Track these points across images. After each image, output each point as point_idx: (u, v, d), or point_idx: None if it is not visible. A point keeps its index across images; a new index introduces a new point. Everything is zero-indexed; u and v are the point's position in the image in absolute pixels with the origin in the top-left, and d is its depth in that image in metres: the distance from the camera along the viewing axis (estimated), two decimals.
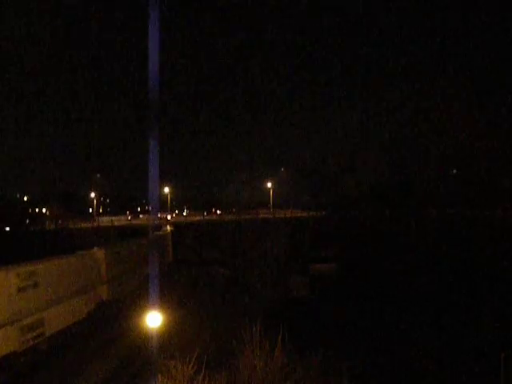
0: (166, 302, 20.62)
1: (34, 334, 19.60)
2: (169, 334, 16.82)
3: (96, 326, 24.94)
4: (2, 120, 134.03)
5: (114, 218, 69.56)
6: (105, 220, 67.56)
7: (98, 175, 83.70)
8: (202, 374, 13.07)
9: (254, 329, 13.81)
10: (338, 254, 44.11)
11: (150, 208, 77.60)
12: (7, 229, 45.02)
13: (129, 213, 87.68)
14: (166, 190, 72.03)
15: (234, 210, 70.36)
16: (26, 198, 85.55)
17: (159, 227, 54.88)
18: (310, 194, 61.31)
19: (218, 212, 73.43)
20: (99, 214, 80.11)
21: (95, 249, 28.78)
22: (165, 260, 46.17)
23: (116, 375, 18.36)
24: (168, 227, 59.08)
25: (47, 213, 75.96)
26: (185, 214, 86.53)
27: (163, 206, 71.06)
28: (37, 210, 77.30)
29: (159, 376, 13.27)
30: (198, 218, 67.40)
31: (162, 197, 70.69)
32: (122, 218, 74.81)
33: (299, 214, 63.80)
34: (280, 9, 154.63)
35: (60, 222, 57.67)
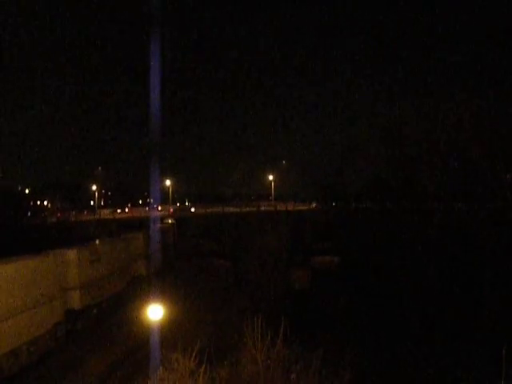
0: (167, 294, 20.62)
1: None
2: (170, 327, 16.83)
3: None
4: (4, 114, 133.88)
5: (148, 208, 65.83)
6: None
7: (100, 168, 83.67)
8: (203, 367, 13.08)
9: (255, 322, 13.78)
10: (339, 247, 44.07)
11: (152, 201, 77.49)
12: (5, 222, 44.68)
13: (130, 205, 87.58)
14: (168, 182, 72.00)
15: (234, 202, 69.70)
16: (27, 191, 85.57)
17: (161, 220, 54.82)
18: (311, 187, 61.24)
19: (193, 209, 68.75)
20: (101, 207, 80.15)
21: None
22: (166, 253, 46.13)
23: None
24: (170, 220, 59.06)
25: (49, 205, 76.01)
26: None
27: (165, 198, 71.07)
28: (38, 202, 77.28)
29: (161, 369, 13.29)
30: (200, 211, 67.28)
31: (164, 190, 70.72)
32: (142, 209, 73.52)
33: (300, 207, 63.74)
34: (284, 7, 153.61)
35: (59, 214, 57.66)
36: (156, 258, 39.07)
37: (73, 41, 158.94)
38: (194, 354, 13.37)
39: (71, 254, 24.87)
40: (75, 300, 24.50)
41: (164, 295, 17.96)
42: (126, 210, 75.86)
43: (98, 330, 24.86)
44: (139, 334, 22.02)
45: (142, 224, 51.58)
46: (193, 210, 67.75)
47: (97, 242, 32.14)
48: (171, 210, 67.32)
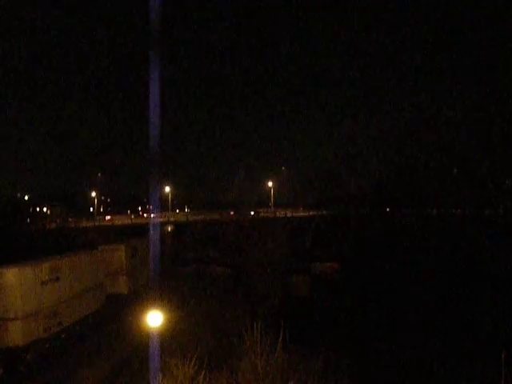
0: (166, 301, 20.59)
1: None
2: (169, 334, 16.80)
3: None
4: (3, 120, 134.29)
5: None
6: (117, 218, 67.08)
7: (99, 174, 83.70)
8: (202, 374, 13.08)
9: (255, 328, 13.79)
10: (339, 254, 44.08)
11: (151, 207, 77.39)
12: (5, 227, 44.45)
13: (130, 212, 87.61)
14: (167, 189, 72.10)
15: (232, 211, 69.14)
16: (26, 197, 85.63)
17: (160, 226, 54.76)
18: (310, 194, 61.41)
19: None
20: (100, 214, 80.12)
21: None
22: (164, 261, 45.86)
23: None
24: (169, 227, 59.06)
25: (48, 212, 76.05)
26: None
27: (164, 205, 71.06)
28: (38, 209, 77.34)
29: (160, 375, 13.29)
30: (199, 217, 67.27)
31: (163, 196, 70.77)
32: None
33: (300, 214, 63.82)
34: (284, 10, 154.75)
35: (58, 221, 57.63)
36: (147, 270, 34.87)
37: (72, 48, 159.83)
38: (193, 361, 13.40)
39: (10, 275, 19.14)
40: (15, 334, 18.85)
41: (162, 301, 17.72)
42: (108, 217, 73.10)
43: (45, 375, 18.50)
44: (105, 375, 18.04)
45: (129, 232, 51.53)
46: (252, 213, 66.67)
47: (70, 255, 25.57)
48: (232, 212, 66.41)
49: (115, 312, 27.25)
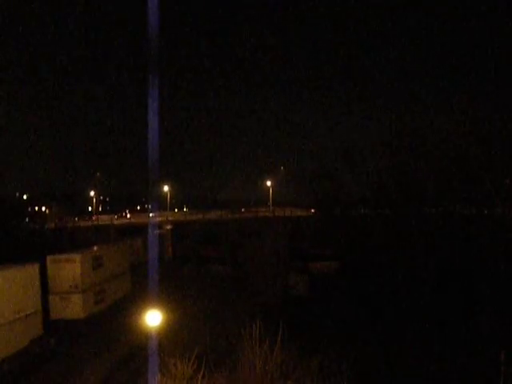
0: (164, 300, 20.51)
1: None
2: (168, 333, 16.75)
3: None
4: (2, 119, 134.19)
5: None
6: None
7: (98, 174, 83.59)
8: (201, 373, 13.06)
9: (254, 327, 13.75)
10: (337, 253, 44.06)
11: (150, 206, 77.29)
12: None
13: (128, 211, 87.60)
14: (166, 188, 72.10)
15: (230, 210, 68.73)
16: (25, 197, 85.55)
17: (159, 226, 54.71)
18: (309, 193, 61.25)
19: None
20: (99, 213, 79.97)
21: None
22: (164, 258, 45.96)
23: None
24: (168, 226, 58.94)
25: (47, 211, 75.92)
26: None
27: (163, 204, 71.05)
28: (36, 208, 77.22)
29: (159, 374, 13.26)
30: (197, 216, 67.18)
31: (162, 195, 70.76)
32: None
33: (299, 213, 63.71)
34: (283, 12, 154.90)
35: (57, 220, 57.45)
36: (124, 284, 31.03)
37: (72, 48, 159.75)
38: (191, 360, 13.37)
39: None
40: None
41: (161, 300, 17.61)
42: (94, 218, 70.80)
43: None
44: None
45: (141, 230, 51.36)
46: (243, 210, 65.57)
47: None
48: (313, 210, 64.74)
49: (53, 349, 19.54)
